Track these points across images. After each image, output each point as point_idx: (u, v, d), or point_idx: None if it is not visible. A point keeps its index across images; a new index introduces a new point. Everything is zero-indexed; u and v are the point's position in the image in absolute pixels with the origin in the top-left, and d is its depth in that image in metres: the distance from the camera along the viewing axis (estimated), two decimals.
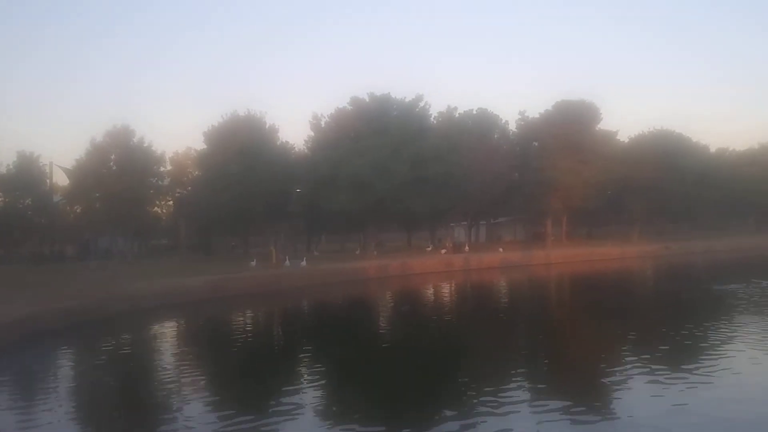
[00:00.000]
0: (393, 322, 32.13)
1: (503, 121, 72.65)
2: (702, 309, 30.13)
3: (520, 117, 73.40)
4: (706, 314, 27.99)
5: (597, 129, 70.89)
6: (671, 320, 26.68)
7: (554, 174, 64.07)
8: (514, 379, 16.75)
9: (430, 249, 63.30)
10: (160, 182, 68.67)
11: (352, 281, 47.30)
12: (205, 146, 64.55)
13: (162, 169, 68.66)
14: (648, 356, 18.40)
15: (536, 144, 70.10)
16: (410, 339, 25.21)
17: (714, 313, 28.05)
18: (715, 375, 15.80)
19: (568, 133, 65.62)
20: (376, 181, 56.07)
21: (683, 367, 16.69)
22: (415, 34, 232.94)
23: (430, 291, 45.36)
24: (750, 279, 38.54)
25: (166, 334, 28.03)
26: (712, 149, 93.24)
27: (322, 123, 66.59)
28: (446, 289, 46.24)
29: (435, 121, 69.01)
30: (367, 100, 63.69)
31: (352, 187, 56.13)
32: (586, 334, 25.85)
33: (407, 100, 64.62)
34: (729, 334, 21.53)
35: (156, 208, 74.23)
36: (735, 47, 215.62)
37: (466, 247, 64.53)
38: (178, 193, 73.33)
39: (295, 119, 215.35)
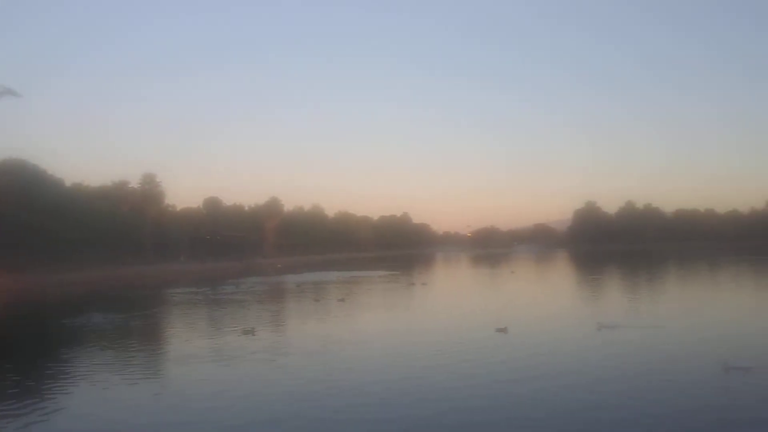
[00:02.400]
0: None
1: None
2: (50, 344, 31.62)
3: None
4: (54, 349, 29.78)
5: None
6: (19, 356, 27.31)
7: None
8: None
9: None
10: None
11: None
12: None
13: None
14: None
15: None
16: None
17: (60, 347, 30.06)
18: (52, 412, 17.78)
19: None
20: None
21: (17, 402, 18.21)
22: None
23: None
24: (91, 312, 42.45)
25: None
26: (68, 183, 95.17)
27: None
28: None
29: None
30: None
31: None
32: None
33: None
34: (68, 369, 23.78)
35: None
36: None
37: None
38: None
39: None
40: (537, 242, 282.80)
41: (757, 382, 19.41)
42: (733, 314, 37.35)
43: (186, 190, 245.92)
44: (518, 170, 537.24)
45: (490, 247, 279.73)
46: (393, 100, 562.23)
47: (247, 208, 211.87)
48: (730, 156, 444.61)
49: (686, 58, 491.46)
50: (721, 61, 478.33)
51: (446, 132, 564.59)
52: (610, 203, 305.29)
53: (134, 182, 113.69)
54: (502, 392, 19.27)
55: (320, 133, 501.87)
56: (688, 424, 15.84)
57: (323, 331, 34.15)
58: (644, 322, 33.57)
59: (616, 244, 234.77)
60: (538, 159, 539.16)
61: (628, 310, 40.72)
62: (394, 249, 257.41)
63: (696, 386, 19.34)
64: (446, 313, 42.67)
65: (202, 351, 27.64)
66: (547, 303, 48.96)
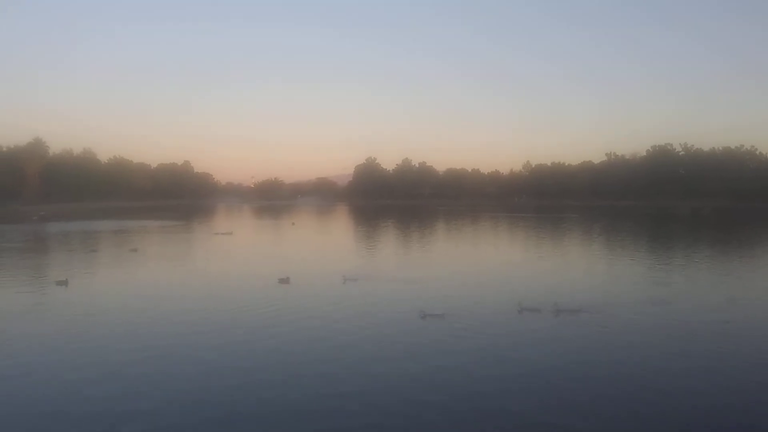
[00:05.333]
0: None
1: None
2: None
3: None
4: None
5: None
6: None
7: None
8: None
9: None
10: None
11: None
12: None
13: None
14: None
15: None
16: None
17: None
18: None
19: None
20: None
21: None
22: None
23: None
24: None
25: None
26: None
27: None
28: None
29: None
30: None
31: None
32: None
33: None
34: None
35: None
36: None
37: None
38: None
39: None
40: (319, 195, 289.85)
41: (447, 325, 23.73)
42: (457, 269, 42.76)
43: None
44: (305, 123, 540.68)
45: (274, 199, 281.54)
46: (176, 44, 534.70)
47: (5, 149, 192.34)
48: (498, 125, 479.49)
49: None
50: None
51: (236, 81, 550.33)
52: (390, 160, 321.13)
53: None
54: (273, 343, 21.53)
55: (96, 71, 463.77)
56: (386, 353, 19.90)
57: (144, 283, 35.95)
58: (379, 275, 37.95)
59: (393, 200, 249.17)
60: (324, 112, 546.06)
61: (374, 264, 45.99)
62: (174, 199, 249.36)
63: (396, 327, 23.69)
64: (232, 264, 45.15)
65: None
66: (319, 254, 54.00)
